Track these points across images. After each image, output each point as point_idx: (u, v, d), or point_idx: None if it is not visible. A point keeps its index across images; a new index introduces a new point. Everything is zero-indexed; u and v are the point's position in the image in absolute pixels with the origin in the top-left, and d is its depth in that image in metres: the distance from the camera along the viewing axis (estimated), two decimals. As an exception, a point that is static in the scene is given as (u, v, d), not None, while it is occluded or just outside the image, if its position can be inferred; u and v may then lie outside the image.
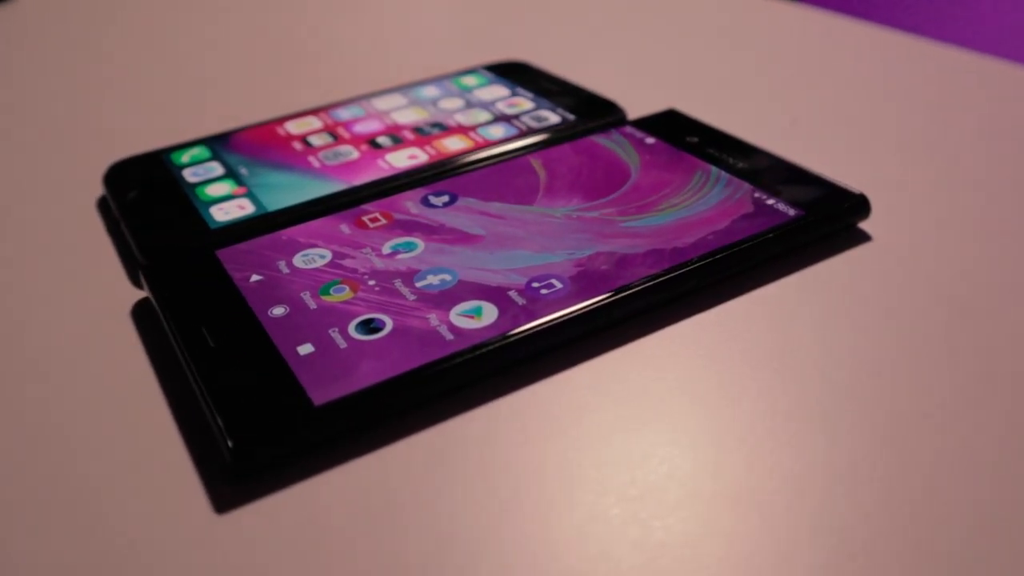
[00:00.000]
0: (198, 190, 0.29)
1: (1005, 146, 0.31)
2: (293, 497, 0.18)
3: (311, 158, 0.30)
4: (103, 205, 0.30)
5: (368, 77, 0.39)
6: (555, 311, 0.22)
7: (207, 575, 0.17)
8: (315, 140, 0.32)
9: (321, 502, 0.18)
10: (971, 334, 0.22)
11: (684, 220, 0.25)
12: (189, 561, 0.17)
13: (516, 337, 0.21)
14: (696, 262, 0.23)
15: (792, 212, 0.25)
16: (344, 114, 0.34)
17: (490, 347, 0.21)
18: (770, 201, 0.26)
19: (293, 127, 0.33)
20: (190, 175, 0.30)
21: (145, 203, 0.28)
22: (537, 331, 0.21)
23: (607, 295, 0.22)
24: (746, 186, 0.27)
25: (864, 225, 0.27)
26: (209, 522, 0.18)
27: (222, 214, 0.27)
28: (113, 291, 0.25)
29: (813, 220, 0.25)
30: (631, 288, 0.22)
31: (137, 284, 0.26)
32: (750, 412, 0.20)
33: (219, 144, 0.32)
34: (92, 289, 0.26)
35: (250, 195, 0.28)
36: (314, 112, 0.34)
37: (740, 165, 0.28)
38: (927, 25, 1.76)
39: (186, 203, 0.28)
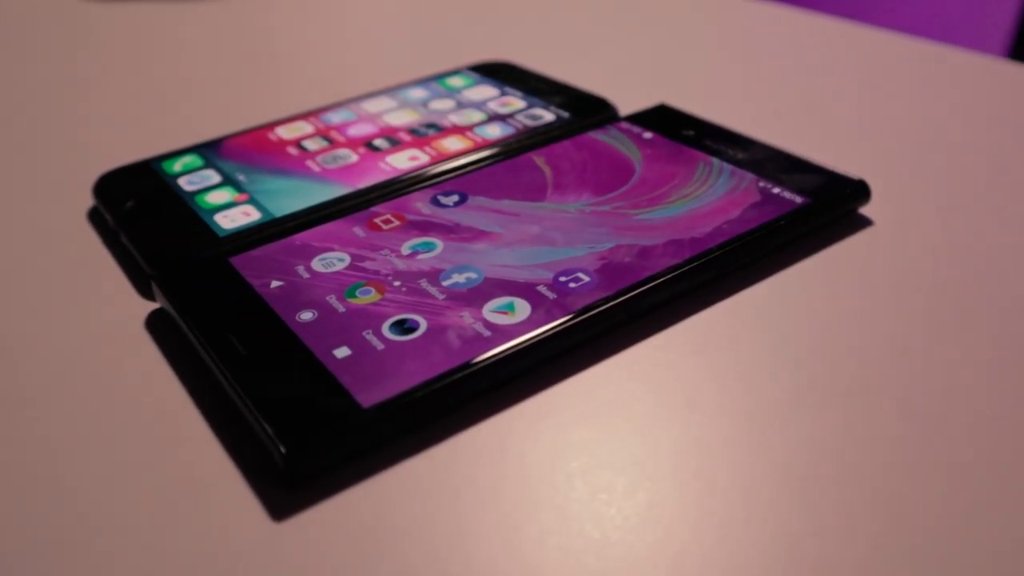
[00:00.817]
0: (198, 198, 0.28)
1: (976, 127, 0.32)
2: (349, 500, 0.18)
3: (310, 162, 0.30)
4: (95, 217, 0.29)
5: (348, 82, 0.39)
6: (587, 303, 0.22)
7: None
8: (310, 144, 0.31)
9: (379, 503, 0.18)
10: (983, 308, 0.23)
11: (695, 211, 0.26)
12: (259, 570, 0.17)
13: (554, 330, 0.21)
14: (716, 251, 0.24)
15: (799, 199, 0.26)
16: (335, 118, 0.33)
17: (530, 341, 0.21)
18: (775, 190, 0.27)
19: (284, 132, 0.32)
20: (186, 183, 0.29)
21: (144, 213, 0.27)
22: (574, 324, 0.21)
23: (635, 286, 0.23)
24: (750, 176, 0.28)
25: (863, 210, 0.27)
26: (270, 531, 0.17)
27: (228, 221, 0.27)
28: (122, 304, 0.25)
29: (820, 206, 0.26)
30: (658, 278, 0.23)
31: (146, 295, 0.25)
32: (786, 393, 0.20)
33: (210, 151, 0.31)
34: (99, 304, 0.25)
35: (253, 201, 0.28)
36: (304, 117, 0.34)
37: (740, 156, 0.29)
38: (882, 17, 1.83)
39: (188, 212, 0.27)
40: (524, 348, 0.21)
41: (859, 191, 0.27)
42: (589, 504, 0.18)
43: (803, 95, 0.36)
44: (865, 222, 0.27)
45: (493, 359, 0.20)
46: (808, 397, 0.20)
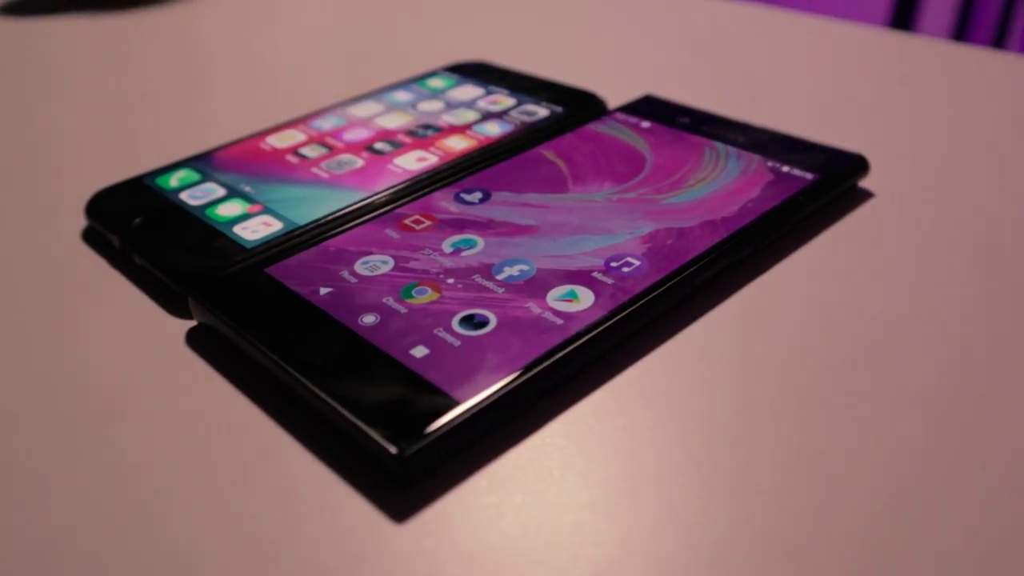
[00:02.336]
0: (208, 212, 0.27)
1: (931, 101, 0.34)
2: (464, 496, 0.18)
3: (315, 169, 0.30)
4: (93, 237, 0.28)
5: (318, 89, 0.38)
6: (646, 286, 0.22)
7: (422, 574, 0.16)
8: (309, 152, 0.31)
9: (493, 496, 0.18)
10: (996, 264, 0.25)
11: (717, 193, 0.27)
12: (401, 571, 0.16)
13: (623, 313, 0.22)
14: (750, 228, 0.25)
15: (809, 176, 0.27)
16: (325, 124, 0.33)
17: (604, 325, 0.21)
18: (784, 168, 0.28)
19: (276, 141, 0.32)
20: (188, 198, 0.28)
21: (157, 231, 0.26)
22: (640, 305, 0.22)
23: (687, 266, 0.23)
24: (756, 157, 0.29)
25: (863, 184, 0.29)
26: (395, 533, 0.17)
27: (250, 233, 0.26)
28: (155, 325, 0.24)
29: (829, 181, 0.27)
30: (705, 257, 0.24)
31: (178, 313, 0.24)
32: (845, 361, 0.21)
33: (204, 165, 0.30)
34: (132, 328, 0.24)
35: (270, 211, 0.27)
36: (293, 125, 0.33)
37: (740, 139, 0.30)
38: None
39: (204, 226, 0.26)
40: (600, 332, 0.21)
41: (860, 165, 0.28)
42: (683, 468, 0.18)
43: (771, 81, 0.37)
44: (867, 194, 0.29)
45: (574, 345, 0.21)
46: (867, 361, 0.21)
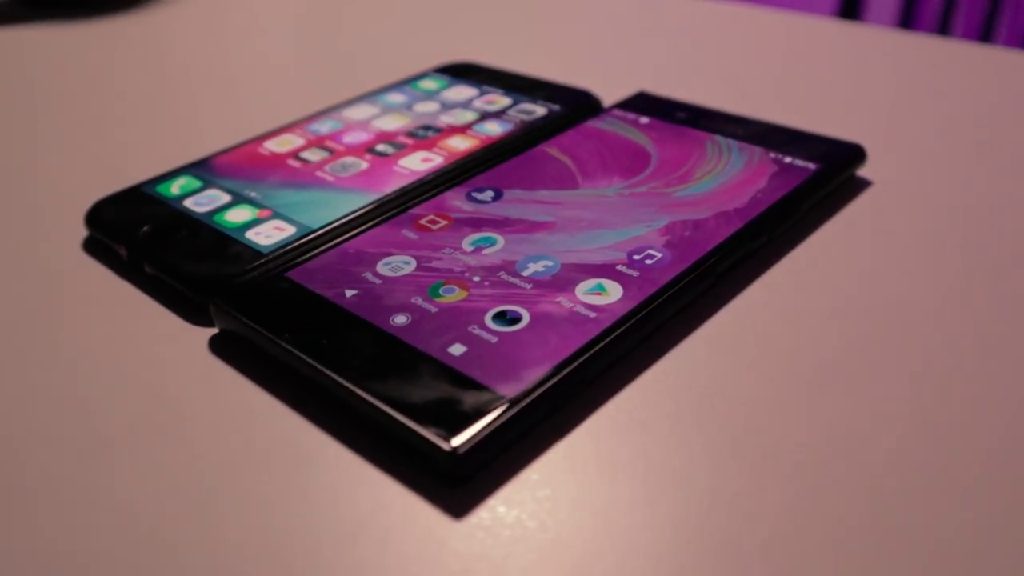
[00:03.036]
0: (216, 218, 0.27)
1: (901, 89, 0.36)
2: (518, 490, 0.18)
3: (319, 173, 0.29)
4: (94, 247, 0.27)
5: (311, 92, 0.38)
6: (672, 277, 0.23)
7: (488, 572, 0.16)
8: (310, 156, 0.31)
9: (547, 488, 0.18)
10: (995, 246, 0.26)
11: (726, 185, 0.27)
12: (466, 566, 0.16)
13: (655, 304, 0.22)
14: (765, 217, 0.25)
15: (812, 166, 0.28)
16: (323, 128, 0.33)
17: (637, 316, 0.21)
18: (787, 159, 0.29)
19: (275, 146, 0.31)
20: (193, 205, 0.28)
21: (164, 239, 0.26)
22: (669, 296, 0.22)
23: (708, 256, 0.24)
24: (758, 149, 0.29)
25: (861, 172, 0.30)
26: (455, 529, 0.17)
27: (264, 238, 0.26)
28: (173, 334, 0.23)
29: (831, 171, 0.28)
30: (725, 247, 0.24)
31: (196, 321, 0.24)
32: (869, 345, 0.22)
33: (203, 171, 0.30)
34: (150, 338, 0.23)
35: (280, 216, 0.27)
36: (289, 129, 0.33)
37: (739, 132, 0.30)
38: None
39: (214, 232, 0.26)
40: (635, 323, 0.21)
41: (858, 154, 0.29)
42: (725, 450, 0.19)
43: (753, 78, 0.38)
44: (865, 183, 0.29)
45: (612, 336, 0.21)
46: (885, 345, 0.22)
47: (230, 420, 0.20)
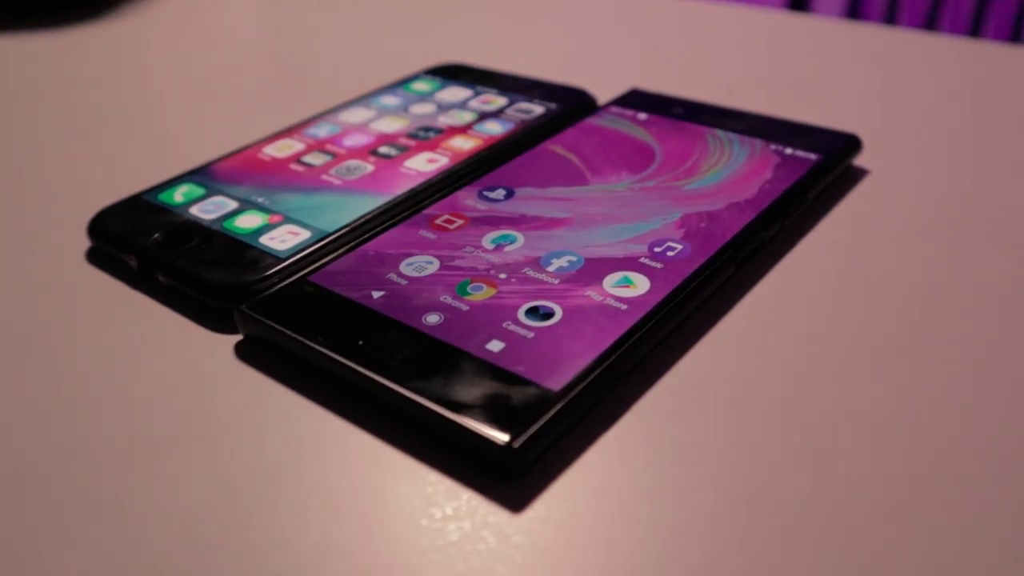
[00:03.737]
0: (226, 225, 0.27)
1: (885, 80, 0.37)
2: (572, 481, 0.18)
3: (325, 176, 0.29)
4: (100, 258, 0.27)
5: (299, 96, 0.38)
6: (695, 267, 0.23)
7: (553, 564, 0.16)
8: (313, 160, 0.30)
9: (597, 478, 0.18)
10: (991, 228, 0.26)
11: (733, 177, 0.28)
12: (536, 559, 0.17)
13: (683, 294, 0.22)
14: (775, 207, 0.26)
15: (813, 156, 0.29)
16: (321, 132, 0.32)
17: (668, 306, 0.22)
18: (788, 151, 0.29)
19: (275, 151, 0.31)
20: (200, 212, 0.27)
21: (176, 247, 0.25)
22: (696, 285, 0.23)
23: (727, 246, 0.24)
24: (759, 142, 0.30)
25: (856, 161, 0.31)
26: (517, 522, 0.17)
27: (279, 243, 0.25)
28: (198, 343, 0.23)
29: (831, 160, 0.29)
30: (742, 237, 0.24)
31: (218, 328, 0.24)
32: (891, 330, 0.23)
33: (204, 178, 0.29)
34: (174, 348, 0.23)
35: (292, 221, 0.27)
36: (287, 134, 0.32)
37: (738, 125, 0.31)
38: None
39: (227, 239, 0.26)
40: (666, 313, 0.22)
41: (854, 143, 0.30)
42: (776, 429, 0.19)
43: (737, 72, 0.39)
44: (862, 172, 0.30)
45: (646, 327, 0.21)
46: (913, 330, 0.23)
47: (270, 425, 0.20)
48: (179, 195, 0.28)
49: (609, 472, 0.18)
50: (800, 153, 0.29)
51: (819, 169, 0.28)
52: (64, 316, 0.24)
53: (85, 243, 0.28)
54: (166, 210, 0.28)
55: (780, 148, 0.29)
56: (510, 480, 0.18)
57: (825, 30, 0.43)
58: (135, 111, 0.37)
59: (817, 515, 0.17)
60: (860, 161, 0.31)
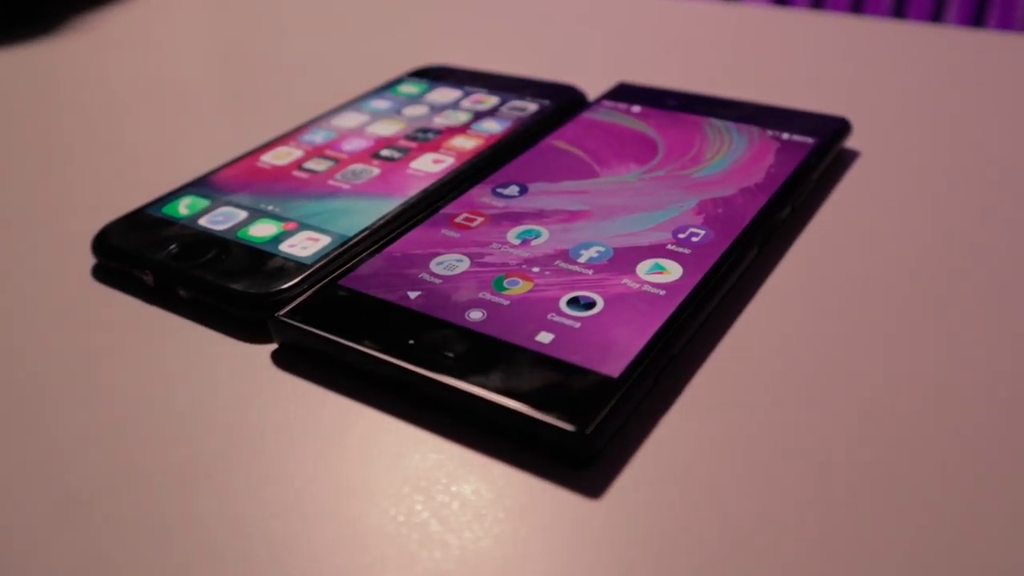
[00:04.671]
0: (240, 234, 0.26)
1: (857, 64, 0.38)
2: (642, 464, 0.19)
3: (331, 181, 0.29)
4: (108, 275, 0.26)
5: (285, 102, 0.37)
6: (723, 251, 0.24)
7: (639, 544, 0.17)
8: (314, 166, 0.30)
9: (672, 458, 0.19)
10: (983, 201, 0.28)
11: (738, 163, 0.28)
12: (620, 544, 0.17)
13: (717, 276, 0.23)
14: (785, 190, 0.27)
15: (810, 140, 0.30)
16: (317, 138, 0.32)
17: (705, 289, 0.22)
18: (784, 136, 0.30)
19: (273, 159, 0.31)
20: (210, 223, 0.27)
21: (194, 259, 0.25)
22: (726, 268, 0.23)
23: (748, 229, 0.25)
24: (755, 129, 0.31)
25: (846, 144, 0.32)
26: (596, 508, 0.18)
27: (300, 249, 0.25)
28: (233, 355, 0.23)
29: (827, 143, 0.30)
30: (760, 220, 0.25)
31: (247, 338, 0.23)
32: (909, 304, 0.24)
33: (205, 189, 0.29)
34: (209, 363, 0.22)
35: (309, 227, 0.26)
36: (283, 141, 0.32)
37: (732, 114, 0.32)
38: None
39: (246, 248, 0.25)
40: (704, 296, 0.22)
41: (844, 126, 0.31)
42: (838, 397, 0.20)
43: (715, 65, 0.40)
44: (854, 154, 0.31)
45: (689, 310, 0.22)
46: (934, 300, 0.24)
47: (326, 431, 0.20)
48: (183, 207, 0.28)
49: (677, 454, 0.19)
50: (797, 137, 0.30)
51: (818, 151, 0.29)
52: (86, 338, 0.24)
53: (88, 260, 0.27)
54: (173, 223, 0.27)
55: (776, 134, 0.30)
56: (582, 468, 0.18)
57: (799, 21, 0.44)
58: (104, 129, 0.36)
59: (897, 479, 0.18)
60: (850, 143, 0.32)
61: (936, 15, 1.17)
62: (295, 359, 0.22)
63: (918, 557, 0.16)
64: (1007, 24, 1.16)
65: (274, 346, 0.23)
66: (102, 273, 0.26)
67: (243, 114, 0.37)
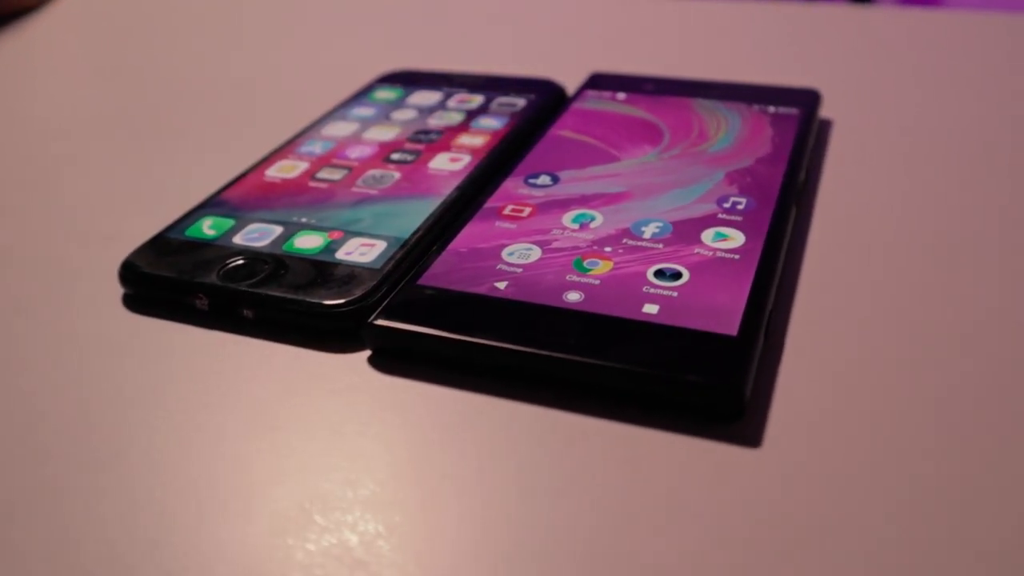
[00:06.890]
0: (287, 248, 0.25)
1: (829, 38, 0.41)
2: (787, 410, 0.20)
3: (355, 188, 0.28)
4: (137, 303, 0.25)
5: (259, 117, 0.36)
6: (771, 212, 0.25)
7: (807, 482, 0.18)
8: (328, 175, 0.29)
9: (810, 402, 0.20)
10: (968, 162, 0.31)
11: (744, 137, 0.30)
12: (804, 490, 0.18)
13: (778, 236, 0.24)
14: (797, 156, 0.29)
15: (795, 111, 0.32)
16: (315, 148, 0.31)
17: (775, 250, 0.24)
18: (771, 109, 0.32)
19: (279, 172, 0.30)
20: (246, 240, 0.26)
21: (247, 278, 0.24)
22: (781, 228, 0.25)
23: (782, 193, 0.26)
24: (741, 105, 0.33)
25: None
26: (760, 456, 0.19)
27: (360, 256, 0.25)
28: (327, 369, 0.22)
29: (809, 112, 0.32)
30: (789, 185, 0.27)
31: (331, 348, 0.23)
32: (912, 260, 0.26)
33: (222, 209, 0.28)
34: (304, 383, 0.22)
35: (356, 234, 0.26)
36: (279, 155, 0.31)
37: (713, 93, 0.34)
38: None
39: (303, 261, 0.25)
40: (774, 255, 0.24)
41: (815, 97, 0.33)
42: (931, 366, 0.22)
43: (671, 50, 0.42)
44: (827, 123, 0.34)
45: (767, 270, 0.23)
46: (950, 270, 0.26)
47: (460, 428, 0.20)
48: (208, 228, 0.27)
49: (811, 398, 0.20)
50: (782, 109, 0.32)
51: (807, 120, 0.31)
52: (164, 376, 0.22)
53: (116, 290, 0.25)
54: (207, 244, 0.26)
55: (763, 108, 0.32)
56: (732, 421, 0.19)
57: (749, 11, 0.47)
58: (65, 160, 0.34)
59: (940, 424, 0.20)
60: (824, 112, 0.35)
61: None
62: (393, 362, 0.22)
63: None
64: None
65: (366, 352, 0.22)
66: (133, 302, 0.25)
67: (206, 131, 0.35)
